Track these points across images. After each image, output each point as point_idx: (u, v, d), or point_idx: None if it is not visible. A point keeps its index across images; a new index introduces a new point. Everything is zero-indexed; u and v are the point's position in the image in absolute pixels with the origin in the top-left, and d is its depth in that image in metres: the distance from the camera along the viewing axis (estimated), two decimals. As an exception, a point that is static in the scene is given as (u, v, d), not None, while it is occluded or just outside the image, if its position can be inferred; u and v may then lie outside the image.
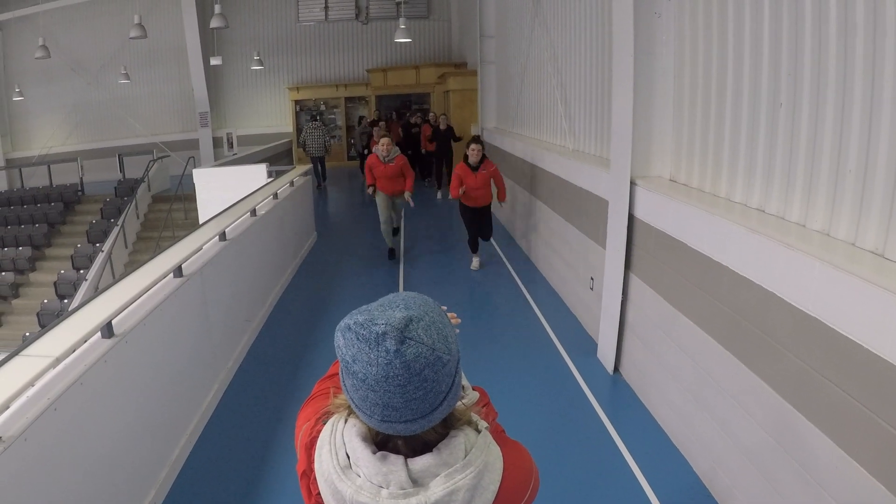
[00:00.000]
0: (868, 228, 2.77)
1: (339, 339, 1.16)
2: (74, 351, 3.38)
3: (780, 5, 3.32)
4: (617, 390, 5.28)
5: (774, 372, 3.16)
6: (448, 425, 1.24)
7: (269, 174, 10.90)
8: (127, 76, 20.74)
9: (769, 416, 3.22)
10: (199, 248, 5.46)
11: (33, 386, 3.01)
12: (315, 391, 1.53)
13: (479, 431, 1.27)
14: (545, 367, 5.79)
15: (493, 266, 9.20)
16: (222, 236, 6.10)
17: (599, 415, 4.90)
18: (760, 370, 3.29)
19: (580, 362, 5.79)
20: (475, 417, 1.30)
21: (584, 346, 6.15)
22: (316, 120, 17.73)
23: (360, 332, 1.11)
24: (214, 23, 14.38)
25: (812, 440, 2.86)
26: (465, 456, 1.20)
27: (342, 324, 1.15)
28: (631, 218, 5.01)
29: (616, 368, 5.51)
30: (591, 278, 6.20)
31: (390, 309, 1.14)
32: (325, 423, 1.30)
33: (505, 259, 9.43)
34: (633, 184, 4.91)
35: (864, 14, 2.72)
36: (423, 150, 15.87)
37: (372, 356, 1.10)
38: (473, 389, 1.50)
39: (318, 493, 1.26)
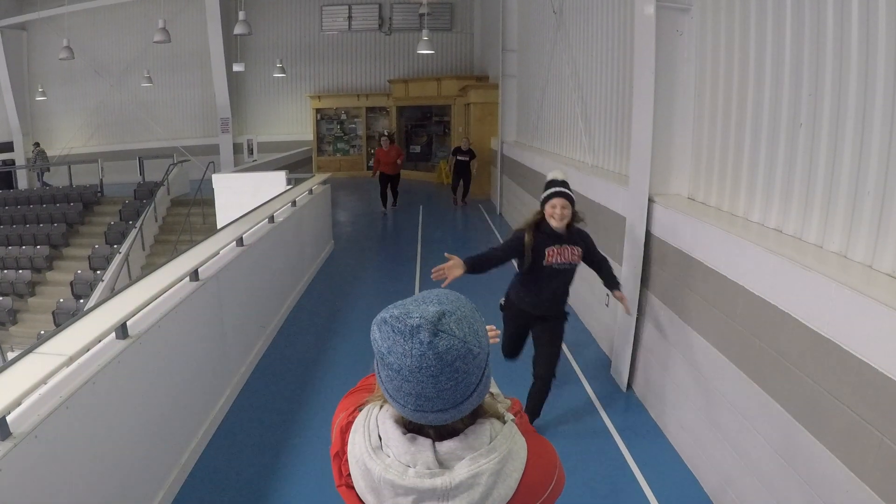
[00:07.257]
0: (885, 251, 2.75)
1: (374, 332, 1.22)
2: (88, 350, 3.40)
3: (801, 26, 3.31)
4: (629, 407, 5.24)
5: (787, 392, 3.13)
6: (476, 415, 1.29)
7: (289, 182, 10.97)
8: (150, 80, 20.98)
9: (780, 435, 3.19)
10: (217, 253, 5.47)
11: (46, 384, 3.03)
12: (360, 385, 1.61)
13: (504, 422, 1.32)
14: (558, 381, 5.73)
15: (507, 279, 9.16)
16: (240, 242, 6.13)
17: (610, 431, 4.86)
18: (773, 390, 3.26)
19: (593, 378, 5.76)
20: (502, 409, 1.35)
21: (597, 362, 6.12)
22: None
23: (395, 325, 1.17)
24: (238, 29, 14.53)
25: (823, 461, 2.82)
26: (490, 442, 1.25)
27: (378, 317, 1.21)
28: (648, 235, 4.99)
29: (629, 385, 5.48)
30: (607, 294, 6.16)
31: (424, 304, 1.20)
32: (361, 411, 1.36)
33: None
34: (651, 201, 4.90)
35: (886, 35, 2.70)
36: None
37: (406, 347, 1.15)
38: (506, 398, 1.54)
39: (349, 475, 1.31)
